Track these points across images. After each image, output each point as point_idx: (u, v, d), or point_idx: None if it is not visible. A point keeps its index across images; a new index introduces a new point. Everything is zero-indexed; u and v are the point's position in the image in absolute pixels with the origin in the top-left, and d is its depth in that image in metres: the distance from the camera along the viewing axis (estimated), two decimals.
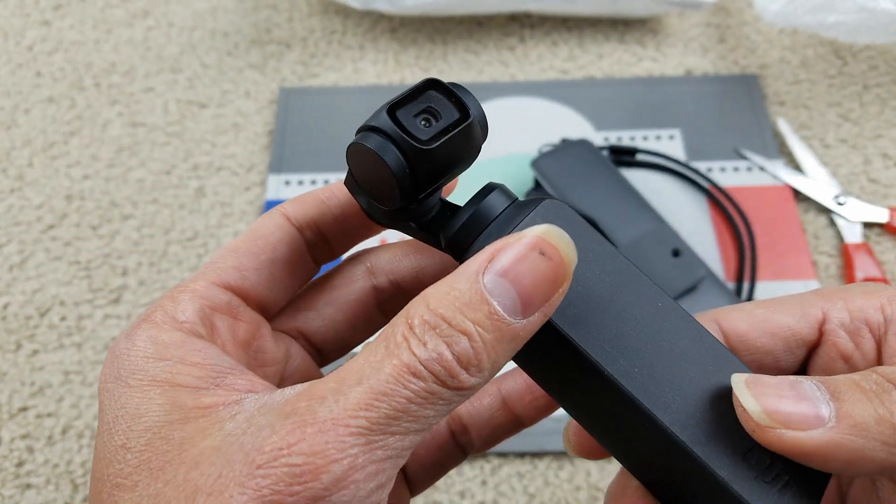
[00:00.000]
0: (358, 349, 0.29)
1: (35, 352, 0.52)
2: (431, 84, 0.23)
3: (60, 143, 0.62)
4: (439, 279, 0.26)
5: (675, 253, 0.51)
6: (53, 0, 0.71)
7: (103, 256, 0.56)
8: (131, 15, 0.70)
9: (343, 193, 0.26)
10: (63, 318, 0.53)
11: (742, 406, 0.21)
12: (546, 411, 0.29)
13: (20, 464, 0.47)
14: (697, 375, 0.22)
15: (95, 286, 0.54)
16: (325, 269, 0.28)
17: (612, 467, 0.46)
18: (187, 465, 0.19)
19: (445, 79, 0.73)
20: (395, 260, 0.27)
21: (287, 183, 0.59)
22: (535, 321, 0.20)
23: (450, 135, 0.22)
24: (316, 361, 0.27)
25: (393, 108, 0.22)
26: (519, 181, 0.58)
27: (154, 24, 0.70)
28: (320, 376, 0.27)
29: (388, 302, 0.27)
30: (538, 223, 0.21)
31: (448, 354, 0.19)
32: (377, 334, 0.20)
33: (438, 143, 0.22)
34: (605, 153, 0.58)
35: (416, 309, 0.19)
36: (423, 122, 0.22)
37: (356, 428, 0.18)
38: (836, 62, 0.65)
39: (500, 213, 0.23)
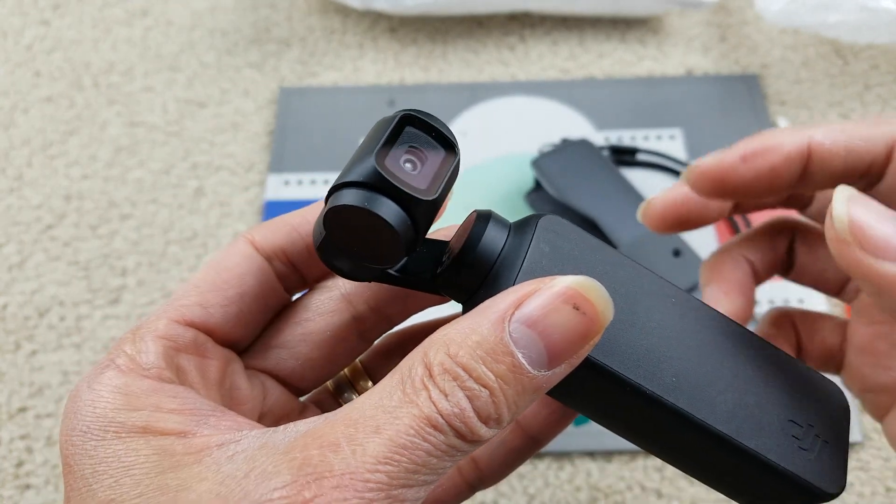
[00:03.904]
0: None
1: (34, 352, 0.51)
2: (407, 120, 0.20)
3: (59, 143, 0.61)
4: (428, 300, 0.25)
5: (676, 253, 0.51)
6: None
7: (102, 256, 0.55)
8: (130, 14, 0.70)
9: (317, 219, 0.24)
10: (62, 319, 0.53)
11: (831, 215, 0.21)
12: (562, 424, 0.27)
13: (19, 464, 0.47)
14: (727, 366, 0.22)
15: (94, 286, 0.54)
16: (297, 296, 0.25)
17: (613, 467, 0.46)
18: None
19: (445, 79, 0.72)
20: (375, 284, 0.25)
21: (287, 183, 0.59)
22: (560, 372, 0.19)
23: (447, 178, 0.20)
24: (293, 393, 0.26)
25: (381, 157, 0.19)
26: (519, 181, 0.58)
27: (153, 24, 0.69)
28: (300, 408, 0.26)
29: (371, 330, 0.26)
30: (544, 249, 0.21)
31: (469, 410, 0.18)
32: (390, 376, 0.19)
33: (440, 190, 0.20)
34: (605, 153, 0.58)
35: (436, 352, 0.18)
36: (409, 166, 0.20)
37: (376, 483, 0.17)
38: (837, 62, 0.65)
39: (504, 246, 0.21)
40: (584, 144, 0.57)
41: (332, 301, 0.25)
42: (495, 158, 0.60)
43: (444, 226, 0.25)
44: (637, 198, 0.54)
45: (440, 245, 0.23)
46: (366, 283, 0.25)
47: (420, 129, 0.20)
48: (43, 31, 0.69)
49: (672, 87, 0.64)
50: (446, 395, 0.18)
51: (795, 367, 0.24)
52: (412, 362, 0.18)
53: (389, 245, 0.20)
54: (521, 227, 0.22)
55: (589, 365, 0.20)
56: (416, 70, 0.66)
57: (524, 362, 0.18)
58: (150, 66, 0.66)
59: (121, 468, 0.19)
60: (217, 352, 0.23)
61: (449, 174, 0.20)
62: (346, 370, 0.28)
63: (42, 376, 0.50)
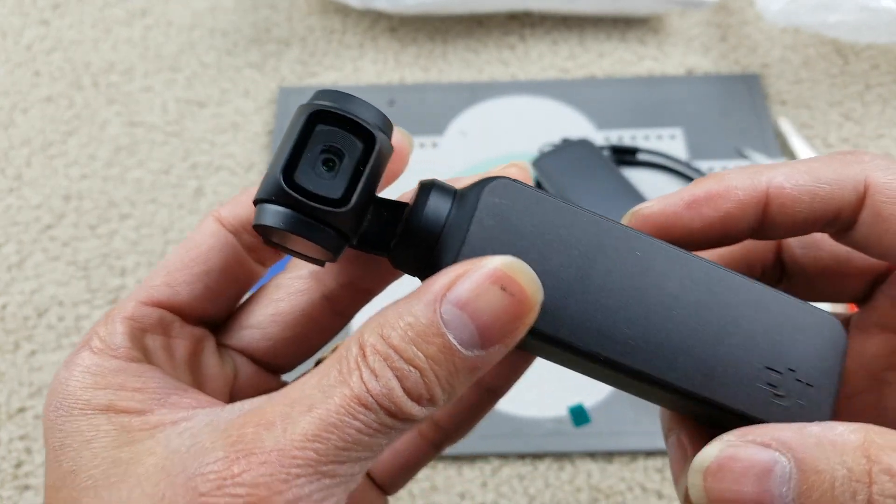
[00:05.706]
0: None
1: (33, 352, 0.51)
2: (316, 118, 0.19)
3: (59, 143, 0.61)
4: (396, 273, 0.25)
5: None
6: None
7: (101, 256, 0.55)
8: (130, 14, 0.70)
9: None
10: (61, 319, 0.53)
11: (688, 486, 0.20)
12: (516, 373, 0.27)
13: (18, 465, 0.47)
14: (695, 316, 0.21)
15: (93, 286, 0.54)
16: (274, 270, 0.26)
17: (613, 468, 0.46)
18: (131, 483, 0.19)
19: (445, 79, 0.72)
20: (344, 259, 0.24)
21: None
22: (496, 352, 0.19)
23: (366, 175, 0.19)
24: (271, 371, 0.26)
25: (288, 172, 0.19)
26: None
27: (153, 23, 0.69)
28: (277, 386, 0.26)
29: (348, 306, 0.25)
30: (488, 223, 0.20)
31: (398, 390, 0.18)
32: (334, 347, 0.20)
33: (356, 195, 0.19)
34: (606, 153, 0.58)
35: (370, 334, 0.19)
36: (326, 169, 0.19)
37: (303, 460, 0.18)
38: (837, 61, 0.65)
39: (447, 220, 0.21)
40: (584, 144, 0.56)
41: (300, 280, 0.25)
42: (495, 158, 0.59)
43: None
44: (638, 198, 0.54)
45: (399, 208, 0.22)
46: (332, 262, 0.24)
47: (332, 125, 0.19)
48: (43, 31, 0.69)
49: (672, 86, 0.63)
50: (376, 376, 0.18)
51: (780, 303, 0.22)
52: (350, 343, 0.19)
53: (319, 252, 0.20)
54: (467, 197, 0.21)
55: (537, 334, 0.20)
56: (416, 70, 0.66)
57: (455, 343, 0.18)
58: (150, 66, 0.66)
59: (82, 442, 0.20)
60: (185, 331, 0.24)
61: (371, 167, 0.19)
62: (331, 349, 0.27)
63: (41, 376, 0.50)
